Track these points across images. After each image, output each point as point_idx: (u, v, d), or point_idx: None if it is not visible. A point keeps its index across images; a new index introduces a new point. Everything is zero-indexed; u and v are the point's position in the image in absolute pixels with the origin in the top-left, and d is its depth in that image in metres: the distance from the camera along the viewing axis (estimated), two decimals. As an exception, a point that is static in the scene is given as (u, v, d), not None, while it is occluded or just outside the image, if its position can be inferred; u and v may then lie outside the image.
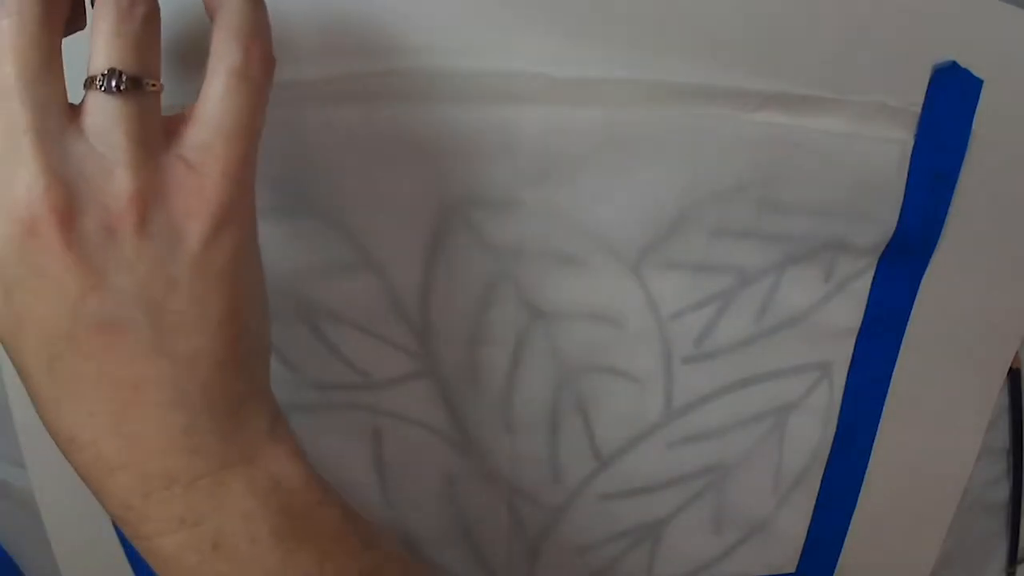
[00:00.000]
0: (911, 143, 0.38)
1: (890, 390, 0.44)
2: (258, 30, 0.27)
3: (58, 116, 0.25)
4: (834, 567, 0.49)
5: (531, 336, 0.41)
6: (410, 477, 0.44)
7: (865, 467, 0.46)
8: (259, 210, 0.38)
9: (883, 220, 0.39)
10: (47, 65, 0.25)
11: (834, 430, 0.45)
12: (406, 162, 0.37)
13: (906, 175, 0.38)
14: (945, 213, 0.40)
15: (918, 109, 0.38)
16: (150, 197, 0.25)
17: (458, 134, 0.37)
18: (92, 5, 0.27)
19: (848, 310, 0.42)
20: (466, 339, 0.40)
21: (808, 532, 0.48)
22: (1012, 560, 0.52)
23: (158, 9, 0.26)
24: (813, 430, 0.45)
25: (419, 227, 0.38)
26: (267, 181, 0.38)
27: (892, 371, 0.44)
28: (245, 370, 0.28)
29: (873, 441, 0.46)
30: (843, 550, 0.49)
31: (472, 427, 0.42)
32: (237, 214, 0.27)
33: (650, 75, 0.36)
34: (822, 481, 0.46)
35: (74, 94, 0.27)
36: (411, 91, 0.36)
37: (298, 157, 0.38)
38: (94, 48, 0.26)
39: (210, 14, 0.28)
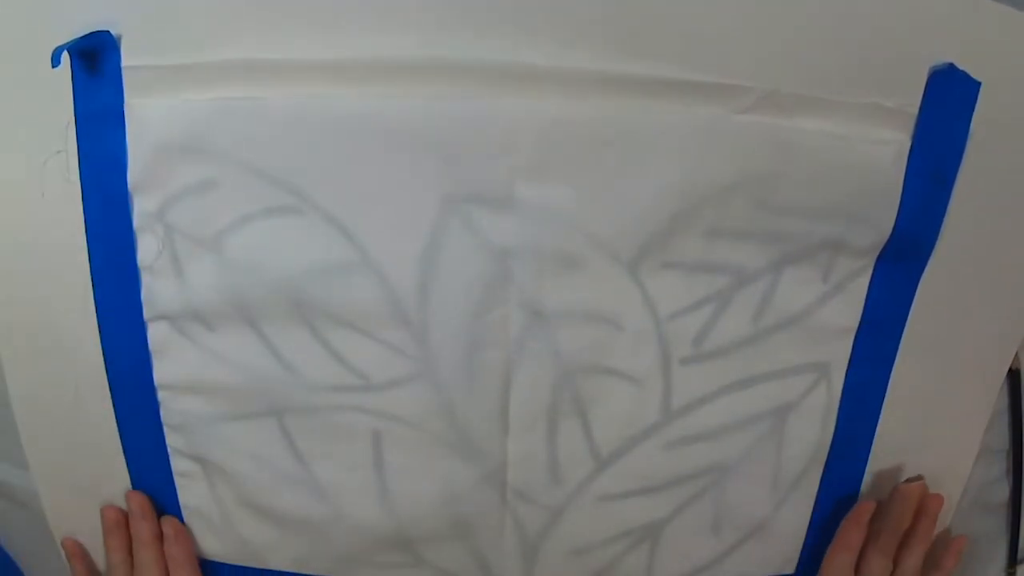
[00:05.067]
0: (907, 144, 0.38)
1: (888, 391, 0.44)
2: None
3: None
4: (834, 567, 0.49)
5: (529, 337, 0.41)
6: (410, 478, 0.44)
7: (864, 467, 0.46)
8: (259, 210, 0.39)
9: (880, 221, 0.39)
10: None
11: (832, 430, 0.45)
12: (404, 158, 0.37)
13: (903, 177, 0.38)
14: (943, 214, 0.40)
15: (914, 111, 0.38)
16: None
17: (456, 129, 0.37)
18: None
19: (846, 310, 0.42)
20: (465, 341, 0.40)
21: (808, 532, 0.48)
22: (1012, 560, 0.52)
23: None
24: (812, 430, 0.45)
25: (417, 226, 0.39)
26: (266, 180, 0.38)
27: (890, 372, 0.44)
28: None
29: (872, 441, 0.45)
30: (843, 550, 0.49)
31: (471, 428, 0.42)
32: None
33: (645, 71, 0.36)
34: (821, 481, 0.46)
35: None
36: (407, 84, 0.36)
37: (296, 155, 0.38)
38: None
39: None
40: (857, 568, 0.46)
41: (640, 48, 0.36)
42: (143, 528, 0.46)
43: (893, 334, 0.43)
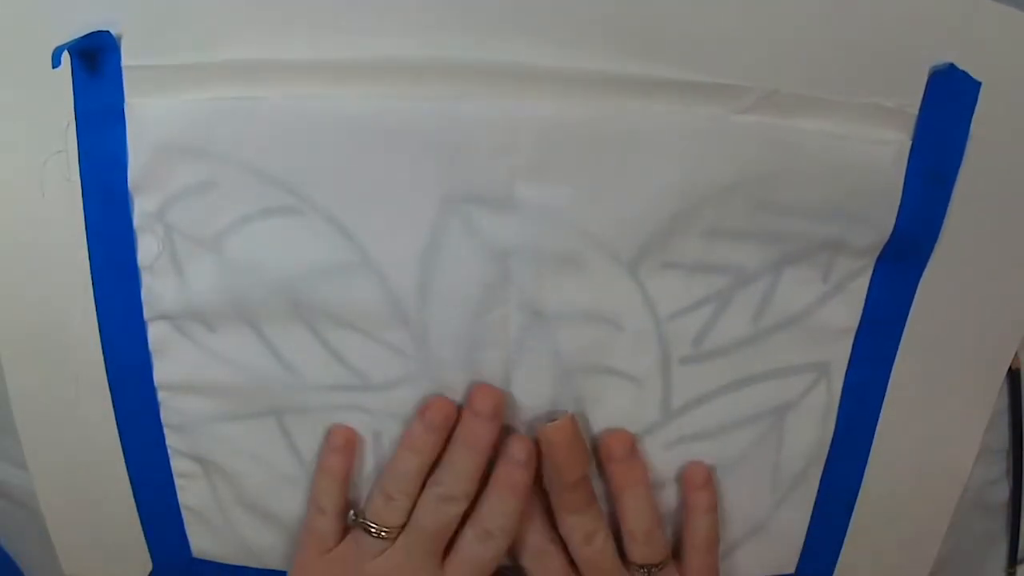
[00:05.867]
0: (908, 144, 0.38)
1: (888, 391, 0.44)
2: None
3: None
4: (834, 567, 0.49)
5: (529, 337, 0.41)
6: (409, 478, 0.44)
7: (864, 467, 0.46)
8: (258, 210, 0.39)
9: (880, 221, 0.39)
10: None
11: (832, 430, 0.45)
12: (404, 158, 0.37)
13: (903, 177, 0.38)
14: (943, 215, 0.40)
15: (915, 111, 0.38)
16: None
17: (456, 129, 0.37)
18: None
19: (846, 310, 0.42)
20: (465, 341, 0.41)
21: (808, 532, 0.47)
22: (1012, 560, 0.52)
23: None
24: (811, 430, 0.45)
25: (417, 227, 0.39)
26: (266, 180, 0.38)
27: (890, 372, 0.44)
28: None
29: (872, 441, 0.45)
30: (843, 550, 0.49)
31: (471, 428, 0.42)
32: None
33: (645, 71, 0.36)
34: (821, 481, 0.46)
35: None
36: (407, 84, 0.36)
37: (296, 155, 0.38)
38: None
39: None
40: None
41: (640, 48, 0.36)
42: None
43: (893, 334, 0.43)
